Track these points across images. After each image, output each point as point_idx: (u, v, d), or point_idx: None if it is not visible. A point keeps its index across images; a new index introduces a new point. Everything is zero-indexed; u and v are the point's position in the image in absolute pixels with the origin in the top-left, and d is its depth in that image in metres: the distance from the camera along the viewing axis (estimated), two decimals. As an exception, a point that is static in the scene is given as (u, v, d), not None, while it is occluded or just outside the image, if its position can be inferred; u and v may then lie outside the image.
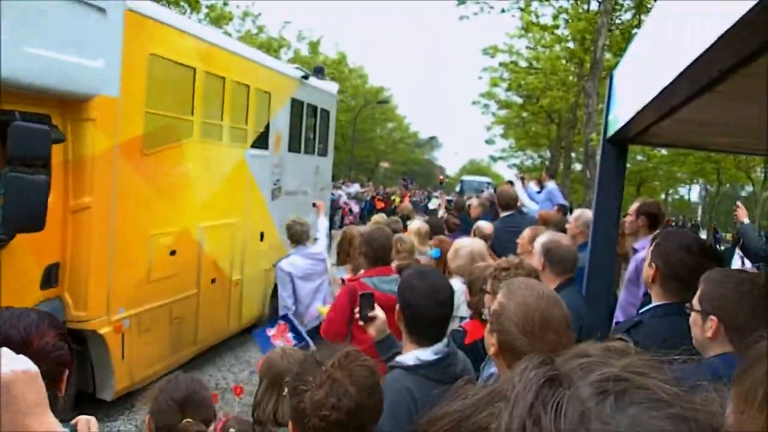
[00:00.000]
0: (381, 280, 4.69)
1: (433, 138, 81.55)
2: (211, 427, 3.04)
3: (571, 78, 28.06)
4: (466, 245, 5.12)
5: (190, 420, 2.68)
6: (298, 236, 7.22)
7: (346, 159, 49.28)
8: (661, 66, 2.58)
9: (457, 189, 38.98)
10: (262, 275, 10.19)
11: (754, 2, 1.43)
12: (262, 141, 9.80)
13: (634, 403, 0.55)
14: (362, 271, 4.98)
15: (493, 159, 54.97)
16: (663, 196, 52.01)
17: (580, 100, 24.35)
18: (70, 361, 2.01)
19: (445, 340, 2.88)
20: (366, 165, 60.80)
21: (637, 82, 3.47)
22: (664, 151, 37.97)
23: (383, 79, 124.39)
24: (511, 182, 11.28)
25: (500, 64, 32.09)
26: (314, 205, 8.88)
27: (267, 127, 9.92)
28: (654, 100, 2.82)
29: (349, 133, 47.85)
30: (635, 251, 5.36)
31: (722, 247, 12.19)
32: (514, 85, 33.19)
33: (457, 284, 4.29)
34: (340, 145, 50.63)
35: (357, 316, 3.33)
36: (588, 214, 6.22)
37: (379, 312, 3.29)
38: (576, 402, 0.56)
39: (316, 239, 7.68)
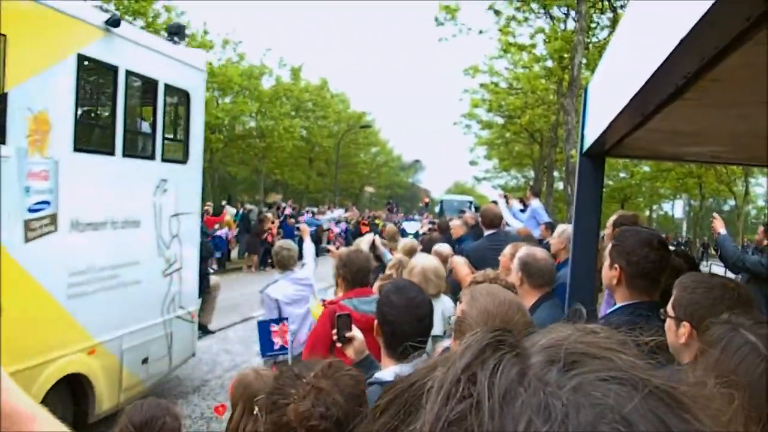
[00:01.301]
0: (360, 301, 4.66)
1: (416, 161, 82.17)
2: None
3: (551, 96, 28.32)
4: (418, 263, 5.19)
5: None
6: (285, 261, 7.12)
7: (330, 184, 49.37)
8: (631, 75, 2.60)
9: (437, 209, 38.98)
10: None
11: (710, 4, 1.45)
12: None
13: (583, 370, 0.51)
14: (341, 293, 4.97)
15: (477, 180, 55.26)
16: (647, 213, 52.33)
17: (560, 118, 24.56)
18: None
19: (424, 356, 2.85)
20: (350, 190, 60.91)
21: (610, 93, 3.49)
22: (646, 167, 38.30)
23: (365, 103, 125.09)
24: (495, 202, 11.32)
25: (481, 85, 32.37)
26: (297, 229, 8.05)
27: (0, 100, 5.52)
28: (625, 110, 2.83)
29: (332, 159, 47.96)
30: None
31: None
32: (495, 106, 33.46)
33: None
34: (324, 170, 50.90)
35: (335, 337, 3.30)
36: (571, 230, 6.24)
37: (356, 333, 3.26)
38: (518, 362, 0.52)
39: (303, 264, 7.57)
